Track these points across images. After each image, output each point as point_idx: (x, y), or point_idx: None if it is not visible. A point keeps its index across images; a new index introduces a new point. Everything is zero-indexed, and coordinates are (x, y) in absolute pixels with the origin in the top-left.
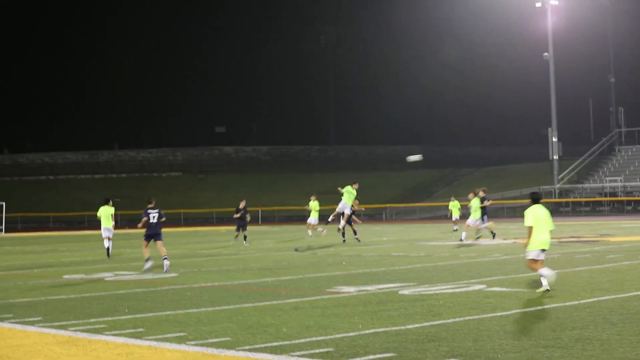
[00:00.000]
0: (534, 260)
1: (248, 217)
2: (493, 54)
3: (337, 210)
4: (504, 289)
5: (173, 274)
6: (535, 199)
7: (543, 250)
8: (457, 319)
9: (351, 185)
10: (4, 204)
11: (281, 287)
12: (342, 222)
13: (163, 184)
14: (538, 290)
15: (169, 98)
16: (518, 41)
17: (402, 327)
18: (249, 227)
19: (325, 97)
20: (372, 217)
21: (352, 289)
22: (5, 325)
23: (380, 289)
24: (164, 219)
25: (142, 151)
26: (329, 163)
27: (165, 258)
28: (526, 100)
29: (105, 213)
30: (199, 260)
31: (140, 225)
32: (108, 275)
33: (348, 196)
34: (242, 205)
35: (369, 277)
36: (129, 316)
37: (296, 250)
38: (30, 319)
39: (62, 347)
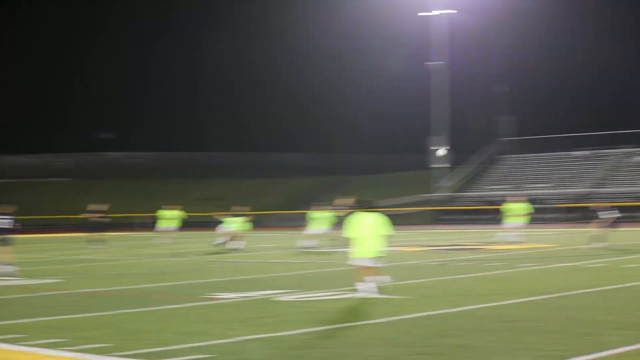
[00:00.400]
0: (363, 268)
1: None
2: (378, 60)
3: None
4: (384, 296)
5: (57, 280)
6: (364, 207)
7: (372, 258)
8: (334, 326)
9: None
10: None
11: (160, 293)
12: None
13: (51, 190)
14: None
15: (55, 103)
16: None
17: (281, 334)
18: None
19: (212, 104)
20: (256, 223)
21: (231, 295)
22: None
23: (259, 295)
24: (18, 225)
25: (30, 156)
26: (216, 169)
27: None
28: (413, 108)
29: None
30: (83, 266)
31: None
32: None
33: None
34: (91, 207)
35: (248, 283)
36: (10, 321)
37: (177, 256)
38: None
39: None
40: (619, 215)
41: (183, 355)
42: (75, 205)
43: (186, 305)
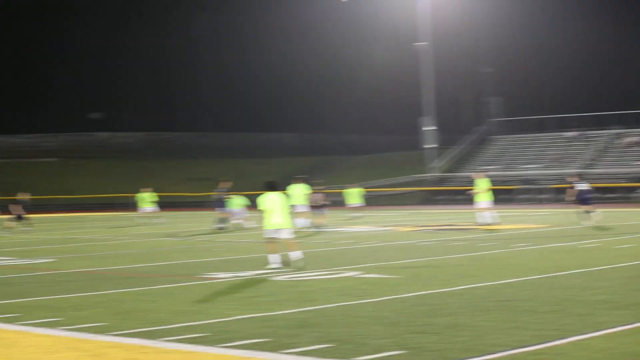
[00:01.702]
0: (271, 239)
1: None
2: (367, 41)
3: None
4: (378, 276)
5: (50, 259)
6: (270, 187)
7: (277, 230)
8: (330, 305)
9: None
10: None
11: (155, 272)
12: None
13: (38, 170)
14: (269, 267)
15: (43, 83)
16: (394, 29)
17: (275, 313)
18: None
19: (202, 83)
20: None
21: (225, 275)
22: None
23: (253, 275)
24: None
25: (16, 136)
26: (206, 149)
27: None
28: (402, 88)
29: None
30: (75, 246)
31: None
32: None
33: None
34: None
35: (242, 263)
36: (3, 301)
37: (171, 236)
38: None
39: None
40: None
41: (177, 334)
42: (63, 185)
43: (180, 284)
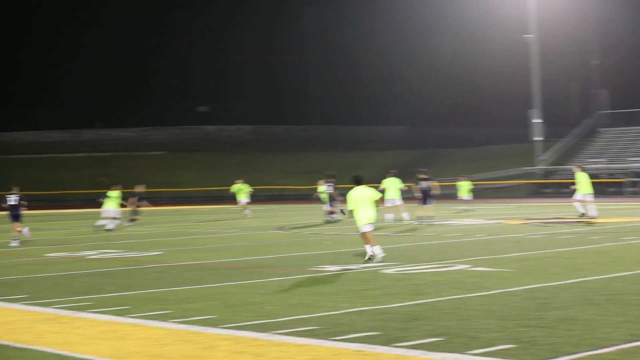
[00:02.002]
0: (364, 234)
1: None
2: (477, 35)
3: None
4: (488, 269)
5: (159, 252)
6: (357, 181)
7: (370, 223)
8: (440, 298)
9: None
10: None
11: (265, 265)
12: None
13: (146, 163)
14: (366, 259)
15: (151, 77)
16: (503, 22)
17: (386, 306)
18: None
19: (309, 77)
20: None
21: (335, 268)
22: None
23: (363, 268)
24: (25, 203)
25: (126, 130)
26: (312, 143)
27: (14, 238)
28: (510, 81)
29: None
30: (183, 239)
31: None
32: (92, 254)
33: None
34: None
35: (352, 256)
36: (114, 294)
37: (280, 229)
38: (15, 297)
39: (46, 325)
40: None
41: (288, 327)
42: (171, 178)
43: (291, 277)
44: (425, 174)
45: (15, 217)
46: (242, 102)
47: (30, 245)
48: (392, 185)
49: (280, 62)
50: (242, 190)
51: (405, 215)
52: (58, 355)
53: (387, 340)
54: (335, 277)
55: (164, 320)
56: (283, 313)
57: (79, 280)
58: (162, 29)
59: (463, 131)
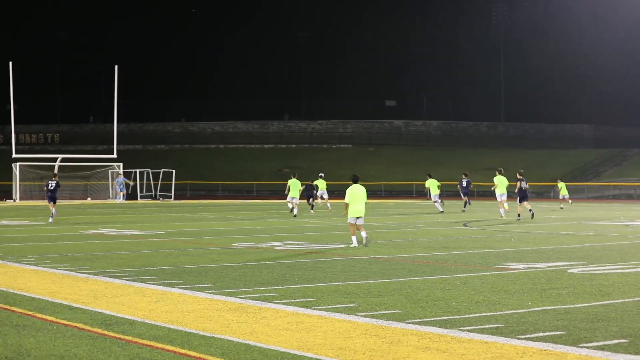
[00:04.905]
0: (351, 225)
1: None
2: None
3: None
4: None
5: (341, 245)
6: (354, 180)
7: (358, 217)
8: (626, 300)
9: None
10: (174, 171)
11: (450, 261)
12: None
13: (332, 156)
14: (351, 246)
15: (340, 71)
16: None
17: (571, 306)
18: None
19: (495, 74)
20: (539, 194)
21: (521, 266)
22: (176, 290)
23: (549, 266)
24: (59, 187)
25: (312, 122)
26: (498, 140)
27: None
28: None
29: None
30: (369, 232)
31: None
32: (278, 245)
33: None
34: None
35: (537, 254)
36: (299, 285)
37: (465, 225)
38: (201, 286)
39: (232, 314)
40: None
41: (474, 324)
42: (356, 171)
43: (476, 274)
44: (522, 174)
45: (53, 199)
46: (429, 97)
47: (220, 235)
48: (503, 182)
49: (468, 58)
50: (434, 185)
51: (502, 212)
52: (245, 344)
53: (572, 340)
54: (520, 275)
55: (350, 314)
56: (468, 310)
57: (264, 270)
58: (352, 25)
59: None
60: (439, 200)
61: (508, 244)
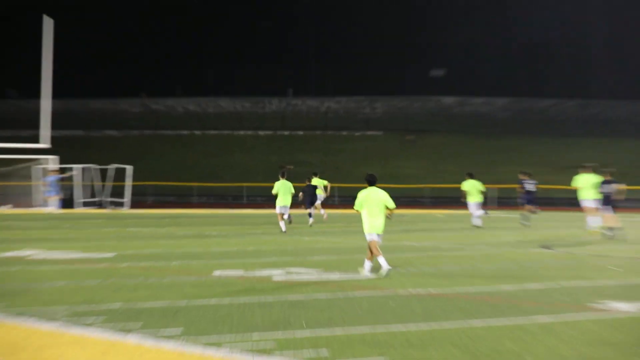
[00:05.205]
0: (373, 243)
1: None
2: None
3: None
4: None
5: (370, 275)
6: (370, 182)
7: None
8: None
9: None
10: (130, 167)
11: (525, 299)
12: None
13: (355, 147)
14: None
15: (363, 26)
16: None
17: None
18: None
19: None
20: None
21: (628, 307)
22: (132, 339)
23: None
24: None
25: (327, 99)
26: (590, 123)
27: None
28: None
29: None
30: (408, 256)
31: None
32: (277, 273)
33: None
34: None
35: None
36: (308, 332)
37: (544, 247)
38: (168, 332)
39: None
40: None
41: None
42: (385, 169)
43: (563, 317)
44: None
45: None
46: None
47: (195, 259)
48: (588, 183)
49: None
50: (474, 189)
51: (595, 220)
52: None
53: None
54: (627, 320)
55: None
56: None
57: (257, 310)
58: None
59: None
60: (482, 212)
61: (607, 274)
